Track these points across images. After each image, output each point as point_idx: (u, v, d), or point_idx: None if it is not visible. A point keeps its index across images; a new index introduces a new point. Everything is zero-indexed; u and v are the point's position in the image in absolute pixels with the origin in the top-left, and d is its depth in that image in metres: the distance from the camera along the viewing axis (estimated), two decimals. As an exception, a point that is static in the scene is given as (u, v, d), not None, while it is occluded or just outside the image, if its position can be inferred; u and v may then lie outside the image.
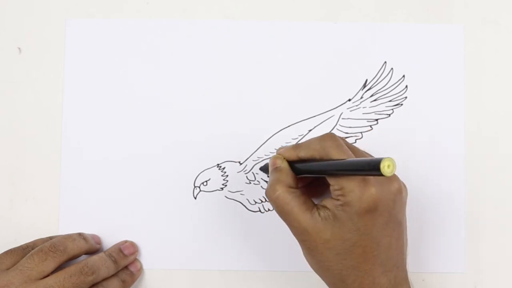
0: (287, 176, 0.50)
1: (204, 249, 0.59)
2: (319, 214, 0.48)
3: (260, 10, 0.60)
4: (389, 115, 0.60)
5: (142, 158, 0.59)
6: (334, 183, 0.48)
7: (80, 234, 0.57)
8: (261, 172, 0.59)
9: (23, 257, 0.53)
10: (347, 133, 0.59)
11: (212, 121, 0.59)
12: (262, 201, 0.59)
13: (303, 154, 0.50)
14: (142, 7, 0.60)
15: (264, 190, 0.59)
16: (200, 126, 0.59)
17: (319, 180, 0.52)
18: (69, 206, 0.59)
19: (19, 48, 0.60)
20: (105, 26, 0.60)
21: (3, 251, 0.55)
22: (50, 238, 0.57)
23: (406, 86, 0.60)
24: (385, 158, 0.43)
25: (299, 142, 0.59)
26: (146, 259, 0.59)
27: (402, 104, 0.60)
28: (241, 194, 0.59)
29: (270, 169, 0.52)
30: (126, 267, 0.58)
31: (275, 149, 0.59)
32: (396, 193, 0.49)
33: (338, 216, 0.48)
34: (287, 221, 0.50)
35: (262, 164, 0.59)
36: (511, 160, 0.59)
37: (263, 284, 0.59)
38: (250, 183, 0.59)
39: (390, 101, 0.60)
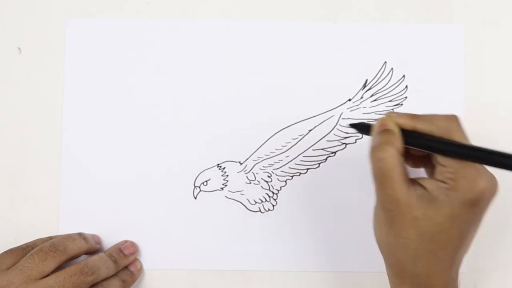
0: (398, 141, 0.47)
1: (204, 249, 0.59)
2: (415, 190, 0.47)
3: (260, 10, 0.60)
4: (389, 115, 0.59)
5: (142, 157, 0.59)
6: (449, 165, 0.46)
7: (80, 234, 0.57)
8: (261, 172, 0.59)
9: (23, 257, 0.53)
10: (347, 133, 0.59)
11: (212, 121, 0.59)
12: (262, 201, 0.59)
13: (421, 126, 0.47)
14: (142, 7, 0.60)
15: (264, 190, 0.59)
16: (200, 126, 0.59)
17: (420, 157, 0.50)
18: (69, 206, 0.59)
19: (19, 48, 0.60)
20: (105, 26, 0.60)
21: (3, 251, 0.55)
22: (50, 238, 0.57)
23: (406, 86, 0.60)
24: None
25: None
26: (146, 259, 0.59)
27: (402, 104, 0.60)
28: (241, 194, 0.59)
29: (377, 129, 0.48)
30: (126, 267, 0.58)
31: (276, 149, 0.59)
32: (494, 196, 0.47)
33: (437, 199, 0.46)
34: (382, 185, 0.47)
35: (262, 164, 0.59)
36: (511, 160, 0.59)
37: (263, 284, 0.59)
38: (250, 183, 0.59)
39: (390, 101, 0.60)
